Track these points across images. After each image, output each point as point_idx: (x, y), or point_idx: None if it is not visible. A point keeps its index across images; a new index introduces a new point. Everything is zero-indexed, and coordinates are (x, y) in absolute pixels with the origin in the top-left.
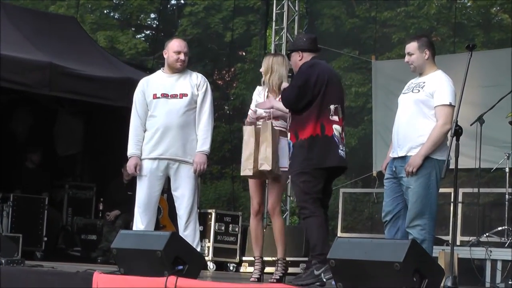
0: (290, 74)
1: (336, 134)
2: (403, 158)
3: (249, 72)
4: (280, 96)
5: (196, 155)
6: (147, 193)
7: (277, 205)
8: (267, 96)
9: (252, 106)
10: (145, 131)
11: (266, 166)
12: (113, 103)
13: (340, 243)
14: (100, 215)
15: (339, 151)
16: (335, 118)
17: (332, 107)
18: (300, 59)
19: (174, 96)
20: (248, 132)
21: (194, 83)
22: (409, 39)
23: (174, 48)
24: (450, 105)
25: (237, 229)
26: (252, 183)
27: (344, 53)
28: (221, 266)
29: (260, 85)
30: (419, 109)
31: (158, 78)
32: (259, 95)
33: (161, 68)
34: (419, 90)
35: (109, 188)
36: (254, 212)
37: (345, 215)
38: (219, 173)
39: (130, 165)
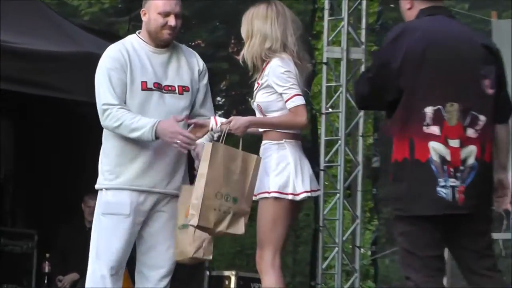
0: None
1: (433, 158)
2: None
3: None
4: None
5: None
6: (125, 244)
7: (271, 257)
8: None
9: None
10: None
11: (193, 218)
12: (65, 96)
13: None
14: (46, 281)
15: (438, 189)
16: (434, 129)
17: (428, 110)
18: (409, 7)
19: (169, 89)
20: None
21: (195, 68)
22: None
23: (159, 7)
24: None
25: None
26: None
27: (446, 7)
28: None
29: None
30: None
31: (141, 53)
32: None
33: (137, 32)
34: None
35: (60, 236)
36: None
37: None
38: None
39: (173, 131)
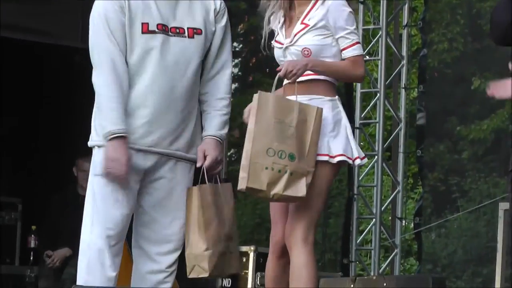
0: None
1: None
2: None
3: None
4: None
5: (207, 142)
6: (123, 209)
7: (305, 230)
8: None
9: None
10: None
11: (242, 181)
12: (54, 41)
13: None
14: (32, 257)
15: None
16: None
17: None
18: None
19: (177, 31)
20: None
21: (211, 7)
22: None
23: None
24: None
25: None
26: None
27: None
28: None
29: None
30: None
31: None
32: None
33: None
34: None
35: (50, 205)
36: (274, 248)
37: None
38: None
39: (118, 157)
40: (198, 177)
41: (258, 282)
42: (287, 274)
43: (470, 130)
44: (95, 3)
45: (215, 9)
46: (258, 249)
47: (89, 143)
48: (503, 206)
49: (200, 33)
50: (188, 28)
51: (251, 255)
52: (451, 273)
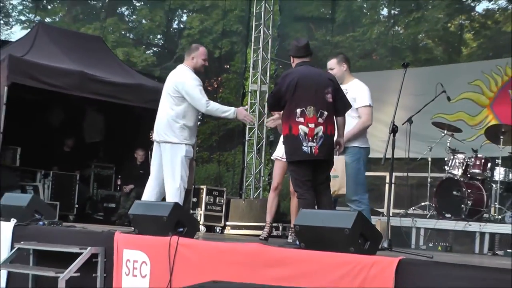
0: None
1: (301, 133)
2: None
3: (232, 81)
4: None
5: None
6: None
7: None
8: None
9: None
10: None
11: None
12: (128, 103)
13: (305, 213)
14: (118, 188)
15: (303, 147)
16: (301, 119)
17: (298, 110)
18: (292, 61)
19: None
20: None
21: None
22: (329, 57)
23: (203, 55)
24: (370, 105)
25: (222, 201)
26: (278, 166)
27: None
28: (210, 229)
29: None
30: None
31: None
32: None
33: (187, 67)
34: None
35: (125, 167)
36: (273, 188)
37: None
38: (208, 158)
39: (245, 113)
40: None
41: (207, 200)
42: (276, 199)
43: None
44: (188, 77)
45: None
46: (207, 187)
47: (177, 141)
48: None
49: None
50: None
51: (204, 189)
52: None
